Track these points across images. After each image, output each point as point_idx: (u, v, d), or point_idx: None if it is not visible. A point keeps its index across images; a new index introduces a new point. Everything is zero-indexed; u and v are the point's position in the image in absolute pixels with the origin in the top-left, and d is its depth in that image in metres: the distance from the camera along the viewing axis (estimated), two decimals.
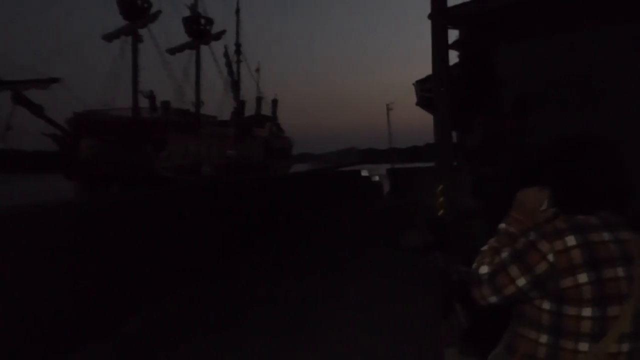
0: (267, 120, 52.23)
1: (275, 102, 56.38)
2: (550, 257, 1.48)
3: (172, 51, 42.27)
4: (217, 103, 70.64)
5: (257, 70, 54.92)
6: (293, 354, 5.17)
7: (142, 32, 37.55)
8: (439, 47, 8.82)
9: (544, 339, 1.51)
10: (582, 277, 1.44)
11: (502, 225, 1.75)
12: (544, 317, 1.51)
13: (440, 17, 8.75)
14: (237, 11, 49.97)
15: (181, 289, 7.57)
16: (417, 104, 12.53)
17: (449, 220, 8.73)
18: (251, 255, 10.48)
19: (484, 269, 1.62)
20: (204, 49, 44.52)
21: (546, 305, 1.50)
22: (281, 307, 6.77)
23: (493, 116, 9.66)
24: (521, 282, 1.52)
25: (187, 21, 43.85)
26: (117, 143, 30.32)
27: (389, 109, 43.74)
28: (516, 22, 9.02)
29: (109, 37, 37.42)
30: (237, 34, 50.37)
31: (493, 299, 1.59)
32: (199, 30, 43.85)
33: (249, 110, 51.46)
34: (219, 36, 45.67)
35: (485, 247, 1.72)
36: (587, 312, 1.44)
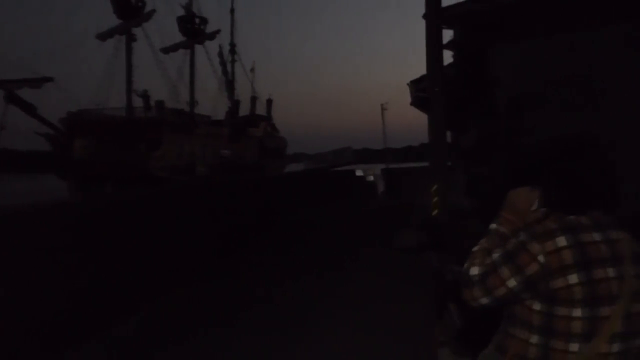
0: (261, 120, 52.17)
1: (269, 102, 56.32)
2: (541, 258, 1.48)
3: (166, 50, 42.15)
4: (211, 103, 70.37)
5: (252, 69, 54.88)
6: (288, 354, 5.16)
7: (136, 31, 37.46)
8: (434, 47, 8.82)
9: (534, 339, 1.51)
10: (573, 278, 1.44)
11: (493, 226, 1.75)
12: (534, 317, 1.51)
13: (435, 17, 8.75)
14: (232, 11, 49.92)
15: (176, 289, 7.55)
16: (412, 104, 12.55)
17: (443, 220, 8.74)
18: (246, 255, 10.47)
19: (474, 270, 1.61)
20: (198, 48, 44.48)
21: (537, 306, 1.50)
22: (276, 307, 6.76)
23: (488, 116, 9.69)
24: (512, 283, 1.52)
25: (181, 20, 43.73)
26: (111, 143, 30.20)
27: (383, 109, 43.90)
28: (511, 22, 9.04)
29: (103, 37, 37.26)
30: (232, 33, 50.34)
31: (484, 300, 1.59)
32: (193, 29, 43.75)
33: (244, 110, 51.43)
34: (213, 36, 45.60)
35: (476, 248, 1.72)
36: (577, 312, 1.44)
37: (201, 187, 12.77)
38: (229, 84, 48.56)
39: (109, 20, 37.59)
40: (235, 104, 48.89)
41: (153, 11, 37.78)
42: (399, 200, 20.28)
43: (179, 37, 43.44)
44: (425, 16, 9.29)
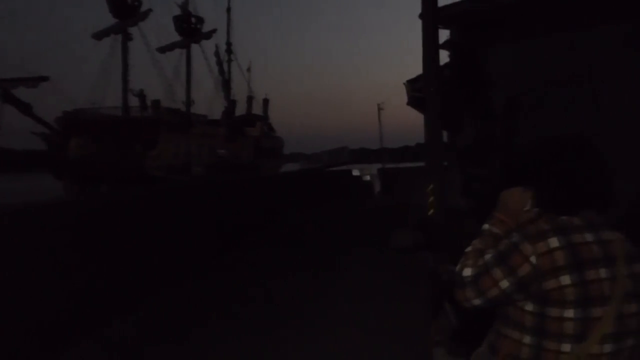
0: (258, 119, 52.14)
1: (266, 102, 56.32)
2: (533, 259, 1.48)
3: (163, 50, 42.11)
4: (207, 102, 70.45)
5: (248, 69, 54.86)
6: (283, 351, 5.16)
7: (132, 30, 37.46)
8: (430, 47, 8.83)
9: (527, 339, 1.51)
10: (565, 279, 1.44)
11: (486, 226, 1.75)
12: (527, 318, 1.50)
13: (431, 17, 8.76)
14: (228, 10, 49.87)
15: (173, 288, 7.55)
16: (408, 103, 12.56)
17: (440, 220, 8.76)
18: (242, 254, 10.45)
19: (467, 272, 1.61)
20: (194, 47, 44.44)
21: (529, 307, 1.50)
22: (271, 306, 6.75)
23: (483, 116, 9.71)
24: (504, 284, 1.52)
25: (177, 20, 43.68)
26: (107, 142, 30.14)
27: (380, 108, 43.86)
28: (507, 22, 9.06)
29: (99, 36, 37.22)
30: (228, 33, 50.27)
31: (477, 302, 1.59)
32: (189, 29, 43.71)
33: (240, 109, 51.41)
34: (209, 35, 45.57)
35: (469, 249, 1.71)
36: (569, 313, 1.44)
37: (197, 187, 12.76)
38: (226, 83, 48.53)
39: (105, 19, 37.60)
40: (231, 104, 48.86)
41: (149, 10, 37.80)
42: (395, 200, 20.29)
43: (175, 37, 43.48)
44: (421, 16, 9.30)
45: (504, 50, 9.16)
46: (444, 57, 10.48)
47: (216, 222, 10.58)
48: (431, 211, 9.74)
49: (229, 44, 50.11)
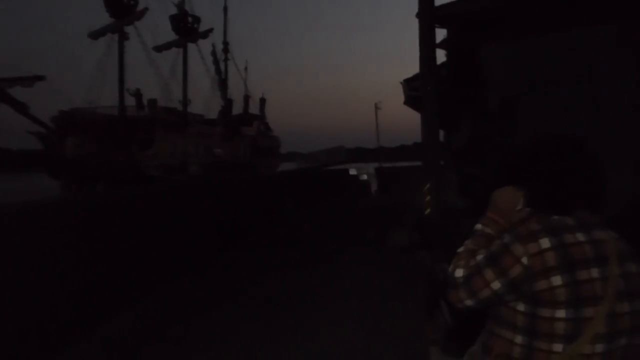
0: (254, 119, 52.15)
1: (263, 101, 56.33)
2: (525, 260, 1.48)
3: (159, 49, 42.03)
4: (204, 101, 70.29)
5: (245, 68, 54.86)
6: (280, 349, 5.16)
7: (129, 29, 37.32)
8: (427, 46, 8.84)
9: (518, 339, 1.51)
10: (557, 280, 1.44)
11: (478, 226, 1.75)
12: (518, 318, 1.50)
13: (428, 16, 8.77)
14: (225, 9, 49.87)
15: (169, 288, 7.54)
16: (405, 103, 12.58)
17: (436, 219, 8.77)
18: (238, 253, 10.45)
19: (459, 272, 1.61)
20: (191, 47, 44.44)
21: (521, 307, 1.50)
22: (268, 304, 6.75)
23: (480, 115, 9.73)
24: (496, 285, 1.51)
25: (174, 19, 43.63)
26: (103, 142, 30.09)
27: (377, 107, 43.88)
28: (505, 22, 9.07)
29: (95, 35, 37.09)
30: (225, 32, 50.32)
31: (469, 302, 1.59)
32: (186, 28, 43.67)
33: (237, 108, 51.42)
34: (206, 34, 45.53)
35: (461, 249, 1.71)
36: (561, 313, 1.44)
37: (194, 186, 12.75)
38: (222, 82, 48.50)
39: (101, 18, 37.45)
40: (228, 103, 48.84)
41: (145, 9, 37.69)
42: (392, 199, 20.30)
43: (171, 36, 43.44)
44: (418, 15, 9.30)
45: (500, 49, 9.18)
46: (440, 56, 10.50)
47: (213, 221, 10.57)
48: (428, 210, 9.76)
49: (225, 43, 50.15)
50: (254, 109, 54.76)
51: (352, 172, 32.95)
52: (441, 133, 10.98)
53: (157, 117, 36.11)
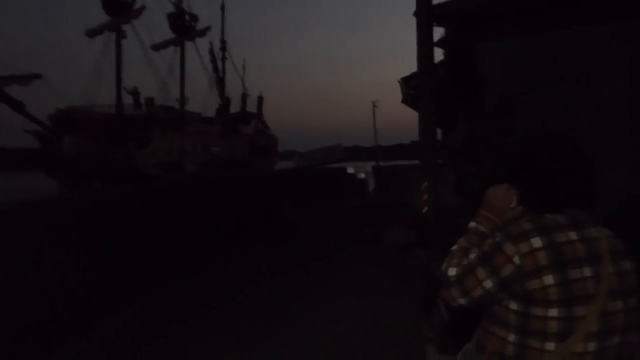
0: (252, 117, 52.06)
1: (260, 100, 56.19)
2: (516, 260, 1.48)
3: (157, 48, 41.95)
4: (202, 100, 70.20)
5: (243, 67, 54.75)
6: (277, 347, 5.16)
7: (126, 28, 37.23)
8: (424, 44, 8.84)
9: (512, 338, 1.51)
10: (549, 279, 1.44)
11: (472, 224, 1.75)
12: (511, 317, 1.51)
13: (426, 15, 8.76)
14: (223, 8, 49.74)
15: (166, 286, 7.54)
16: (403, 101, 12.58)
17: (433, 218, 8.78)
18: (237, 253, 10.44)
19: (452, 271, 1.62)
20: (188, 45, 44.32)
21: (514, 306, 1.50)
22: (267, 303, 6.75)
23: (477, 114, 9.74)
24: (488, 284, 1.52)
25: (171, 17, 43.53)
26: (101, 140, 30.03)
27: (375, 106, 43.91)
28: (503, 20, 9.07)
29: (92, 34, 37.00)
30: (223, 30, 50.19)
31: (462, 301, 1.59)
32: (183, 26, 43.57)
33: (235, 107, 51.32)
34: (204, 33, 45.44)
35: (455, 248, 1.72)
36: (553, 312, 1.44)
37: (191, 185, 12.73)
38: (220, 81, 48.41)
39: (98, 17, 37.34)
40: (226, 102, 48.75)
41: (143, 8, 37.60)
42: (389, 197, 20.31)
43: (169, 34, 43.32)
44: (416, 14, 9.30)
45: (499, 48, 9.18)
46: (439, 55, 10.49)
47: (211, 220, 10.57)
48: (425, 209, 9.76)
49: (223, 42, 50.03)
50: (251, 107, 54.68)
51: (350, 170, 32.93)
52: (439, 132, 10.99)
53: (155, 115, 36.06)
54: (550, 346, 1.45)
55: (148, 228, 8.01)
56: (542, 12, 8.39)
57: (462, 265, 1.60)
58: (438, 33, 10.54)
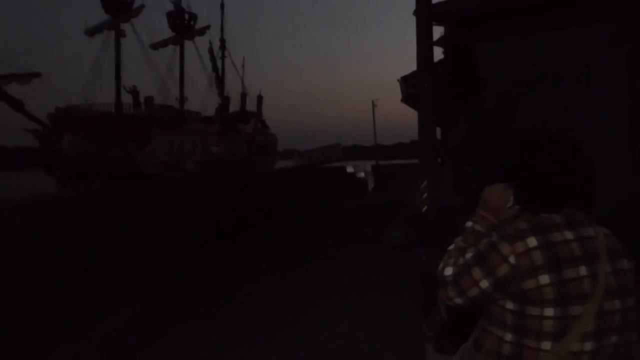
0: (251, 116, 51.97)
1: (260, 98, 56.07)
2: (512, 259, 1.48)
3: (156, 46, 41.88)
4: (201, 99, 70.06)
5: (242, 66, 54.66)
6: (275, 345, 5.17)
7: (125, 26, 37.15)
8: (424, 44, 8.84)
9: (508, 337, 1.51)
10: (544, 279, 1.44)
11: (469, 223, 1.75)
12: (507, 316, 1.51)
13: (425, 14, 8.76)
14: (222, 6, 49.62)
15: (165, 285, 7.54)
16: (403, 100, 12.58)
17: (433, 217, 8.78)
18: (236, 251, 10.44)
19: (448, 271, 1.62)
20: (188, 44, 44.20)
21: (509, 305, 1.50)
22: (267, 302, 6.75)
23: (477, 114, 9.74)
24: (484, 284, 1.52)
25: (170, 16, 43.43)
26: (100, 139, 29.99)
27: (374, 105, 43.89)
28: (501, 20, 9.08)
29: (91, 32, 36.95)
30: (222, 29, 50.03)
31: (458, 301, 1.59)
32: (182, 25, 43.48)
33: (234, 106, 51.24)
34: (203, 31, 45.35)
35: (451, 247, 1.72)
36: (549, 312, 1.44)
37: (191, 183, 12.74)
38: (219, 80, 48.33)
39: (97, 15, 37.32)
40: (225, 100, 48.68)
41: (142, 6, 37.52)
42: (389, 196, 20.31)
43: (168, 33, 43.20)
44: (415, 13, 9.29)
45: (498, 47, 9.18)
46: (438, 54, 10.49)
47: (210, 219, 10.57)
48: (425, 208, 9.77)
49: (222, 41, 49.90)
50: (251, 106, 54.58)
51: (349, 169, 32.93)
52: (438, 131, 11.01)
53: (154, 114, 35.97)
54: (546, 345, 1.45)
55: (147, 227, 8.01)
56: (542, 11, 8.40)
57: (458, 265, 1.60)
58: (438, 32, 10.57)
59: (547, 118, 8.18)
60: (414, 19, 9.54)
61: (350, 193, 24.01)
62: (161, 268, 7.87)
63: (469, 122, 10.01)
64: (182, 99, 42.04)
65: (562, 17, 8.20)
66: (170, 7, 43.51)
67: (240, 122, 48.03)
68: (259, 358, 5.04)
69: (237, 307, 6.60)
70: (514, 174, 1.65)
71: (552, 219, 1.53)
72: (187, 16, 43.89)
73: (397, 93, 12.65)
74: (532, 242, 1.47)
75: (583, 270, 1.45)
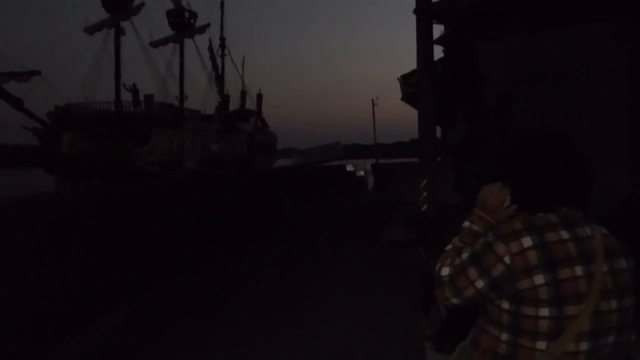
0: (251, 114, 51.93)
1: (259, 97, 56.04)
2: (507, 259, 1.48)
3: (156, 44, 41.86)
4: (201, 97, 70.13)
5: (242, 64, 54.64)
6: (274, 343, 5.17)
7: (125, 24, 37.14)
8: (424, 42, 8.84)
9: (504, 336, 1.51)
10: (539, 279, 1.43)
11: (466, 224, 1.75)
12: (503, 316, 1.51)
13: (426, 12, 8.76)
14: (222, 5, 49.58)
15: (165, 284, 7.54)
16: (402, 99, 12.58)
17: (432, 215, 8.79)
18: (236, 250, 10.44)
19: (445, 271, 1.62)
20: (187, 42, 44.18)
21: (505, 305, 1.50)
22: (266, 301, 6.75)
23: (476, 112, 9.74)
24: (479, 284, 1.52)
25: (170, 14, 43.41)
26: (100, 137, 29.99)
27: (374, 104, 43.89)
28: (502, 19, 9.07)
29: (91, 30, 36.95)
30: (222, 27, 49.97)
31: (455, 301, 1.60)
32: (182, 23, 43.45)
33: (234, 104, 51.21)
34: (203, 30, 45.33)
35: (448, 247, 1.72)
36: (544, 312, 1.43)
37: (190, 182, 12.73)
38: (219, 78, 48.32)
39: (97, 13, 37.29)
40: (225, 99, 48.66)
41: (142, 4, 37.50)
42: (388, 195, 20.32)
43: (168, 31, 43.18)
44: (416, 11, 9.29)
45: (498, 46, 9.18)
46: (438, 52, 10.48)
47: (210, 217, 10.57)
48: (424, 206, 9.77)
49: (222, 39, 49.86)
50: (250, 104, 54.54)
51: (349, 168, 32.94)
52: (438, 129, 11.01)
53: (154, 113, 35.92)
54: (542, 345, 1.45)
55: (147, 225, 8.01)
56: (542, 11, 8.39)
57: (454, 265, 1.60)
58: (438, 30, 10.56)
59: (547, 117, 8.18)
60: (414, 18, 9.54)
61: (350, 192, 24.01)
62: (161, 267, 7.87)
63: (469, 121, 10.01)
64: (182, 97, 42.06)
65: (562, 17, 8.20)
66: (170, 5, 43.52)
67: (240, 120, 47.99)
68: (259, 358, 5.04)
69: (237, 307, 6.59)
70: (510, 173, 1.65)
71: (547, 219, 1.53)
72: (187, 14, 43.86)
73: (397, 92, 12.66)
74: (527, 242, 1.47)
75: (579, 270, 1.45)
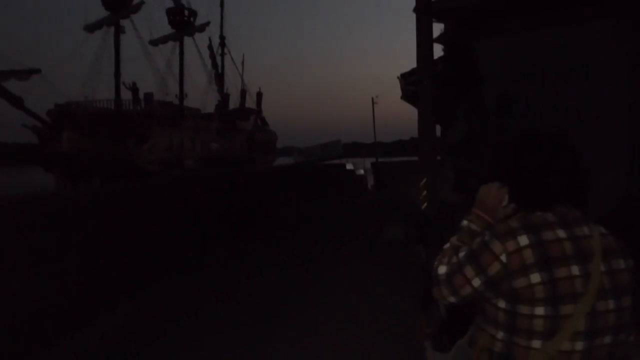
0: (251, 113, 51.97)
1: (259, 95, 56.09)
2: (503, 258, 1.48)
3: (155, 43, 41.87)
4: (200, 96, 70.20)
5: (242, 62, 54.67)
6: (272, 343, 5.17)
7: (125, 23, 37.15)
8: (424, 41, 8.83)
9: (500, 335, 1.51)
10: (535, 277, 1.43)
11: (464, 222, 1.75)
12: (499, 314, 1.51)
13: (425, 11, 8.75)
14: (222, 3, 49.57)
15: (164, 282, 7.54)
16: (402, 97, 12.58)
17: (432, 214, 8.79)
18: (236, 249, 10.44)
19: (442, 270, 1.62)
20: (187, 41, 44.20)
21: (501, 304, 1.50)
22: (266, 300, 6.76)
23: (476, 111, 9.73)
24: (476, 282, 1.52)
25: (170, 13, 43.42)
26: (99, 136, 29.98)
27: (374, 102, 43.86)
28: (502, 18, 9.06)
29: (91, 28, 36.94)
30: (222, 26, 50.03)
31: (452, 299, 1.60)
32: (182, 21, 43.46)
33: (233, 103, 51.25)
34: (202, 28, 45.35)
35: (446, 246, 1.72)
36: (540, 311, 1.43)
37: (190, 181, 12.73)
38: (219, 76, 48.35)
39: (96, 11, 37.30)
40: (224, 97, 48.69)
41: (142, 3, 37.49)
42: (388, 194, 20.32)
43: (168, 30, 43.23)
44: (415, 10, 9.28)
45: (498, 44, 9.16)
46: (438, 51, 10.47)
47: (210, 216, 10.56)
48: (424, 205, 9.77)
49: (222, 37, 49.90)
50: (250, 103, 54.57)
51: (349, 167, 32.93)
52: (438, 128, 11.01)
53: (154, 111, 35.92)
54: (537, 344, 1.45)
55: (147, 225, 8.01)
56: (542, 9, 8.38)
57: (451, 264, 1.61)
58: (438, 29, 10.55)
59: (547, 117, 8.18)
60: (414, 16, 9.54)
61: (349, 190, 24.01)
62: (161, 267, 7.87)
63: (469, 120, 10.00)
64: (181, 96, 42.03)
65: (562, 16, 8.19)
66: (170, 3, 43.58)
67: (239, 119, 48.02)
68: (259, 358, 5.04)
69: (237, 307, 6.59)
70: (509, 173, 1.65)
71: (545, 218, 1.53)
72: (186, 13, 43.87)
73: (397, 90, 12.65)
74: (523, 240, 1.47)
75: (575, 270, 1.45)
